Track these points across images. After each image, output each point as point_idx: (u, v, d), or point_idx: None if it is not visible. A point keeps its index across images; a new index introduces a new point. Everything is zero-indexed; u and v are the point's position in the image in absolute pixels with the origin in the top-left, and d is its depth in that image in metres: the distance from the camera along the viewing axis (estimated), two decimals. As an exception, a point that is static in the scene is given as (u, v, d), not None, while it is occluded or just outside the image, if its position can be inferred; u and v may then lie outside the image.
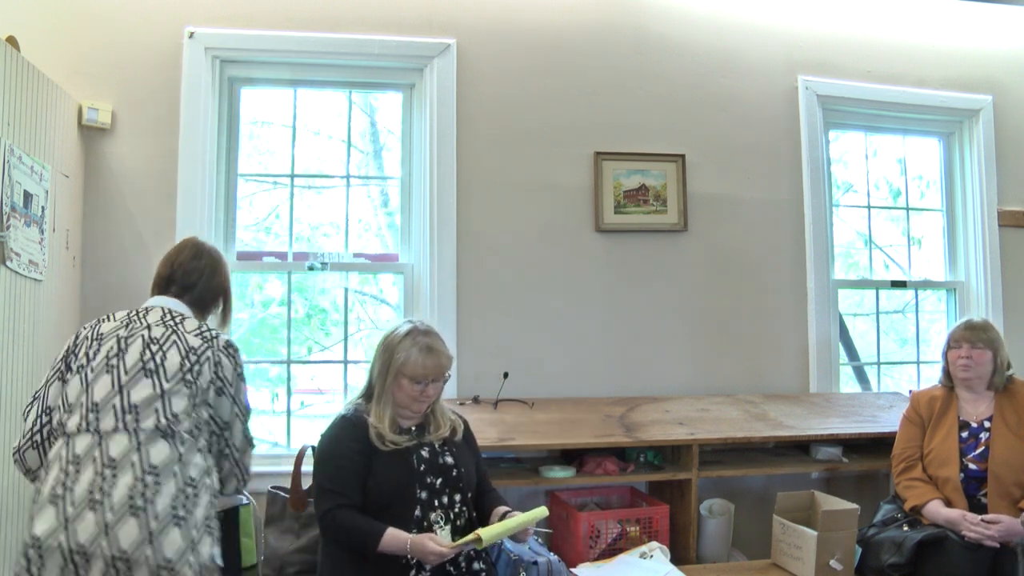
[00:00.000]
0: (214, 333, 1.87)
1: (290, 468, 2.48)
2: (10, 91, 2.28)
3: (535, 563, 2.34)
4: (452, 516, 2.05)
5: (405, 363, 2.07)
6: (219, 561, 1.71)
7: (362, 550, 1.92)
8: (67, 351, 1.82)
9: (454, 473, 2.09)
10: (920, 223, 3.77)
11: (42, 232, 2.45)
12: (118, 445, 1.64)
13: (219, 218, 3.03)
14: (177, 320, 1.86)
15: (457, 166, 3.10)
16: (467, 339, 3.05)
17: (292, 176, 3.19)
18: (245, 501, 2.62)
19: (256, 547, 2.63)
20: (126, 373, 1.74)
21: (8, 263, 2.23)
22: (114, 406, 1.69)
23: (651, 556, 2.48)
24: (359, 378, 2.22)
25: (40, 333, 2.45)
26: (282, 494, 2.61)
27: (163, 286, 1.96)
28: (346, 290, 3.23)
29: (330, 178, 3.25)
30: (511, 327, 3.10)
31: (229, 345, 1.89)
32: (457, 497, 2.08)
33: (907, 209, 3.75)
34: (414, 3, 3.14)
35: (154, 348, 1.77)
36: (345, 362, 3.17)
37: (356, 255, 3.16)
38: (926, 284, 3.70)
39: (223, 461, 1.88)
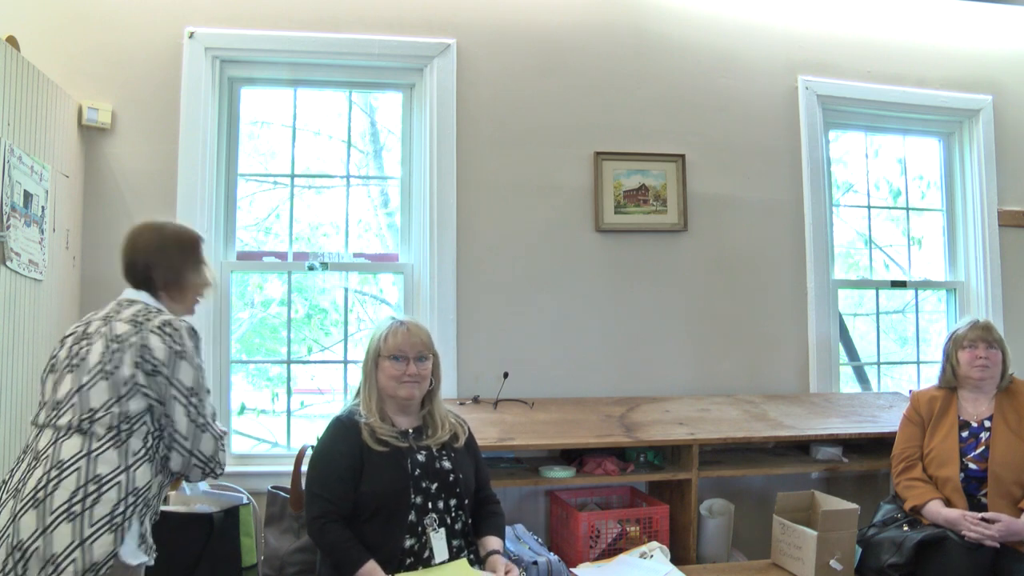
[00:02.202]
0: (150, 316, 1.78)
1: (290, 468, 2.49)
2: (10, 91, 2.29)
3: (535, 563, 2.34)
4: (448, 521, 2.04)
5: (382, 343, 2.11)
6: (131, 559, 1.67)
7: (339, 569, 1.93)
8: None
9: (451, 478, 2.08)
10: (920, 223, 3.77)
11: (42, 232, 2.45)
12: (45, 439, 1.71)
13: (219, 218, 3.03)
14: (122, 309, 1.82)
15: (457, 166, 3.10)
16: (467, 339, 3.05)
17: (292, 176, 3.19)
18: (245, 501, 2.62)
19: (256, 547, 2.63)
20: (57, 371, 1.78)
21: (8, 263, 2.23)
22: (48, 403, 1.76)
23: (651, 556, 2.48)
24: (358, 378, 2.23)
25: (40, 333, 2.45)
26: (282, 494, 2.61)
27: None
28: (346, 290, 3.23)
29: (330, 178, 3.25)
30: (511, 327, 3.10)
31: (166, 324, 1.77)
32: (453, 502, 2.07)
33: (907, 209, 3.75)
34: (414, 3, 3.14)
35: (83, 342, 1.77)
36: (345, 362, 3.17)
37: (356, 255, 3.16)
38: (926, 284, 3.70)
39: (172, 452, 1.77)
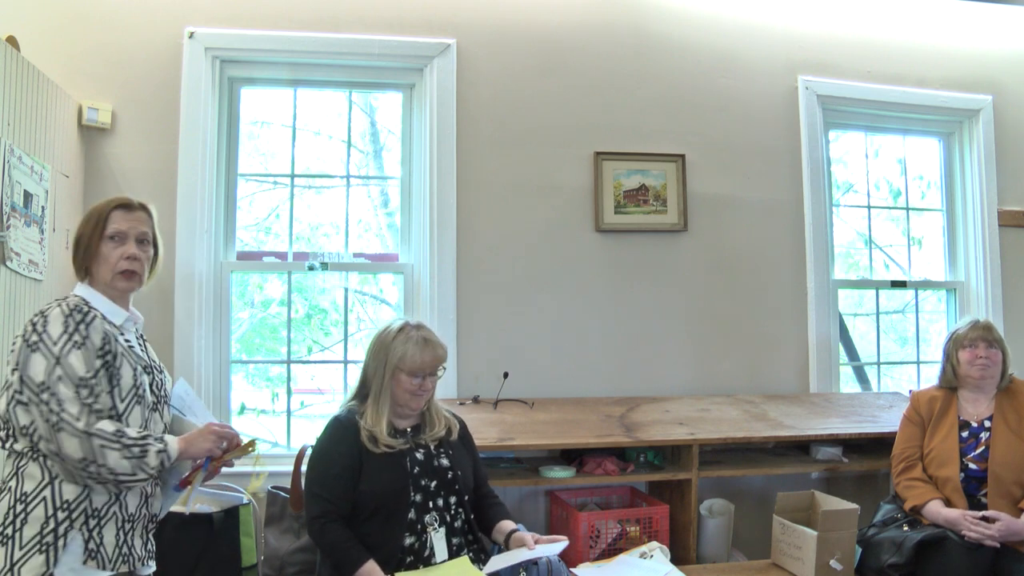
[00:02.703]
0: (44, 309, 1.64)
1: (290, 468, 2.49)
2: (10, 91, 2.28)
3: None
4: (448, 519, 2.05)
5: (403, 358, 2.07)
6: (66, 570, 1.55)
7: (338, 569, 1.94)
8: None
9: (449, 475, 2.09)
10: (920, 223, 3.77)
11: (42, 232, 2.45)
12: None
13: (219, 218, 3.03)
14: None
15: (457, 166, 3.10)
16: (467, 339, 3.05)
17: (292, 176, 3.19)
18: (245, 501, 2.62)
19: (256, 547, 2.63)
20: None
21: (8, 263, 2.23)
22: None
23: (651, 556, 2.48)
24: (357, 377, 2.23)
25: (40, 333, 2.44)
26: (282, 494, 2.62)
27: None
28: (346, 290, 3.23)
29: (330, 178, 3.25)
30: (511, 327, 3.10)
31: (36, 315, 1.62)
32: (453, 499, 2.08)
33: (907, 209, 3.74)
34: (414, 3, 3.14)
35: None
36: (345, 362, 3.17)
37: (356, 255, 3.16)
38: (926, 284, 3.70)
39: (54, 462, 1.57)
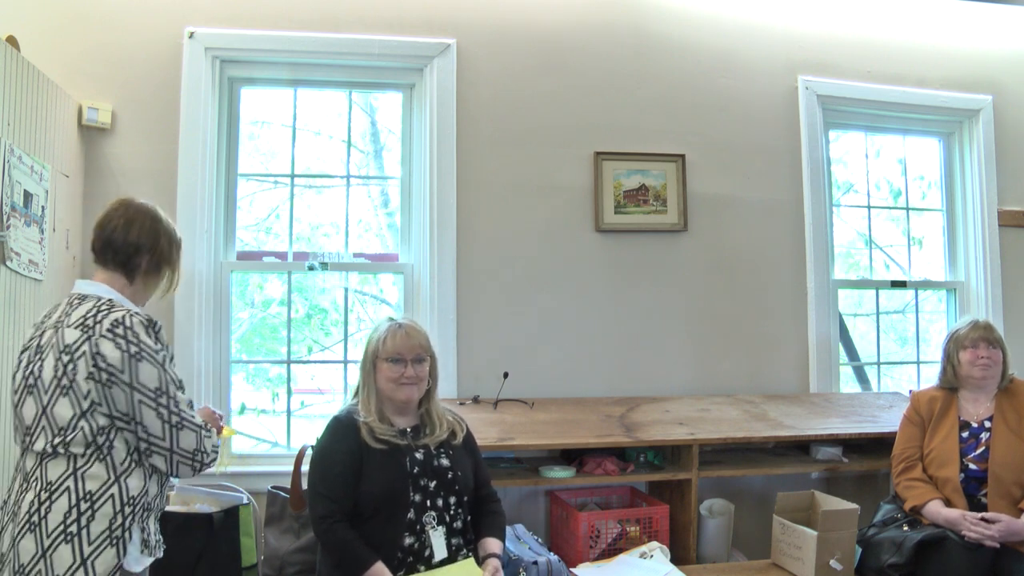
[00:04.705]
0: (99, 317, 1.65)
1: (290, 468, 2.49)
2: (10, 91, 2.29)
3: (535, 563, 2.34)
4: (447, 519, 2.05)
5: (380, 346, 2.11)
6: (135, 567, 1.66)
7: (342, 569, 1.94)
8: None
9: (449, 476, 2.08)
10: (920, 223, 3.77)
11: (42, 232, 2.45)
12: (29, 462, 1.66)
13: (219, 218, 3.03)
14: (71, 308, 1.70)
15: (457, 166, 3.10)
16: (467, 339, 3.05)
17: (292, 176, 3.19)
18: (245, 501, 2.62)
19: (256, 547, 2.63)
20: (19, 392, 1.70)
21: (8, 263, 2.23)
22: (20, 427, 1.70)
23: (651, 556, 2.48)
24: (357, 377, 2.24)
25: (40, 333, 2.44)
26: (282, 494, 2.61)
27: (95, 257, 1.81)
28: (346, 290, 3.23)
29: (330, 178, 3.25)
30: (511, 327, 3.10)
31: (116, 325, 1.64)
32: (452, 500, 2.07)
33: (907, 209, 3.74)
34: (414, 3, 3.14)
35: (35, 359, 1.68)
36: (345, 362, 3.17)
37: (356, 255, 3.16)
38: (926, 284, 3.70)
39: (154, 456, 1.67)
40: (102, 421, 1.63)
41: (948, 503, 2.46)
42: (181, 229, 2.82)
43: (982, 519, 2.32)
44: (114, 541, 1.61)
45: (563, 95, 3.23)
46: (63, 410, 1.62)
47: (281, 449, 3.08)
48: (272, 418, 3.21)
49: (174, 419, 1.67)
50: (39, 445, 1.63)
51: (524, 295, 3.13)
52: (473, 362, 3.04)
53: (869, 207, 3.69)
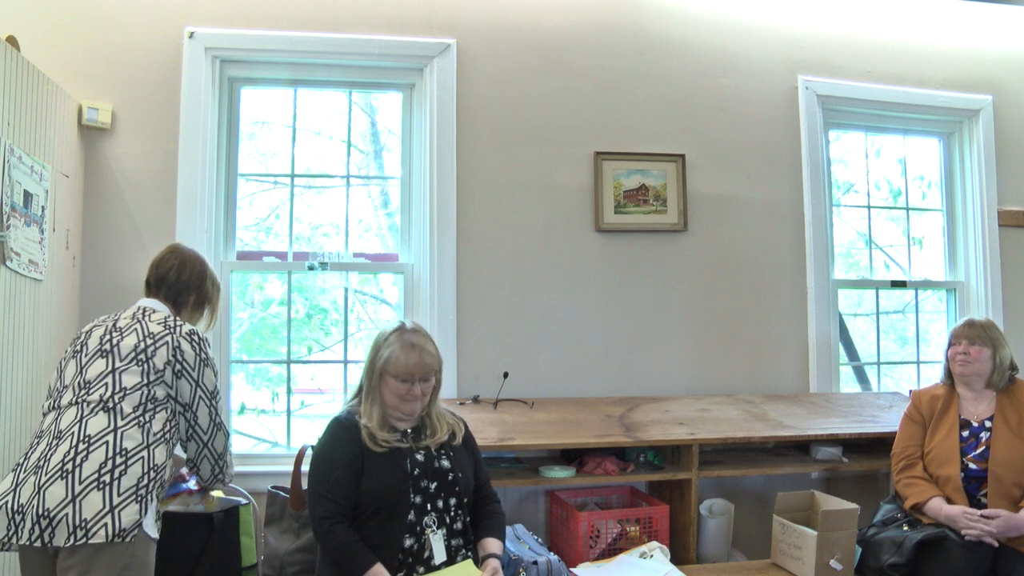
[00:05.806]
0: (179, 323, 2.02)
1: (290, 468, 2.48)
2: (10, 91, 2.29)
3: (535, 563, 2.34)
4: (447, 521, 2.04)
5: (388, 360, 2.07)
6: (151, 532, 1.80)
7: (341, 570, 1.94)
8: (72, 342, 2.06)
9: (450, 477, 2.08)
10: (920, 223, 3.77)
11: (42, 232, 2.45)
12: (67, 418, 1.83)
13: (219, 218, 3.03)
14: (147, 314, 2.04)
15: (457, 166, 3.10)
16: (467, 339, 3.05)
17: (292, 176, 3.19)
18: (245, 501, 2.62)
19: (256, 547, 2.63)
20: (87, 356, 1.94)
21: (8, 263, 2.23)
22: (75, 384, 1.89)
23: (651, 556, 2.48)
24: (358, 377, 2.24)
25: (40, 333, 2.45)
26: (282, 494, 2.61)
27: (147, 289, 2.16)
28: (346, 290, 3.23)
29: (330, 178, 3.25)
30: (511, 327, 3.10)
31: (192, 333, 2.02)
32: (452, 502, 2.07)
33: (907, 209, 3.75)
34: (414, 3, 3.14)
35: (114, 333, 1.96)
36: (345, 362, 3.17)
37: (356, 255, 3.16)
38: (926, 284, 3.70)
39: (191, 442, 2.03)
40: (160, 393, 1.91)
41: (949, 501, 2.46)
42: (181, 229, 2.87)
43: (982, 516, 2.32)
44: (139, 499, 1.76)
45: (563, 95, 3.23)
46: (131, 377, 1.89)
47: (281, 449, 3.08)
48: (272, 418, 3.21)
49: (217, 419, 2.05)
50: (95, 396, 1.85)
51: (524, 295, 3.13)
52: (473, 362, 3.04)
53: (869, 207, 3.69)
